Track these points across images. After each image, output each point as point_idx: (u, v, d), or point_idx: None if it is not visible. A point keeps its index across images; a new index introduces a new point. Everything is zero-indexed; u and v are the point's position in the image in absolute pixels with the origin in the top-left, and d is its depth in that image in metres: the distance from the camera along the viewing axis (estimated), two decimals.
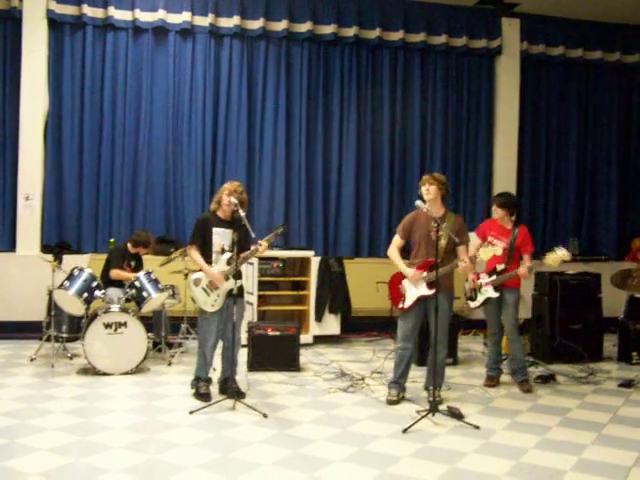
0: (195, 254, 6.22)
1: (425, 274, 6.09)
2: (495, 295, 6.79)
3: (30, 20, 8.98)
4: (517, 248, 6.79)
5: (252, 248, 6.19)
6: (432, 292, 6.01)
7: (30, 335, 8.45)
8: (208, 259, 6.21)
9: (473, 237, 7.02)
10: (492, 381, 7.01)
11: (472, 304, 7.03)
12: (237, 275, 6.18)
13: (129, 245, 7.99)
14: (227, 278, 6.17)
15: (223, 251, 6.21)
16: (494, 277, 6.78)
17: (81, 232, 9.37)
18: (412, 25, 10.23)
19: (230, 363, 6.27)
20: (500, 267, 6.76)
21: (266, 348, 7.43)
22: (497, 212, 6.91)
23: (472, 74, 10.68)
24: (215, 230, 6.21)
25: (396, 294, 6.31)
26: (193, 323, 6.64)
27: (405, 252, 6.45)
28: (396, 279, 6.34)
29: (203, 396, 6.24)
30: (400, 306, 6.24)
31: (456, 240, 5.96)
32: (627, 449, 5.21)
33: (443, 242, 6.04)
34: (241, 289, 6.30)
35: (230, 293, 6.19)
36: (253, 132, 9.84)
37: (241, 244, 6.23)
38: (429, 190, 6.15)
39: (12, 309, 8.77)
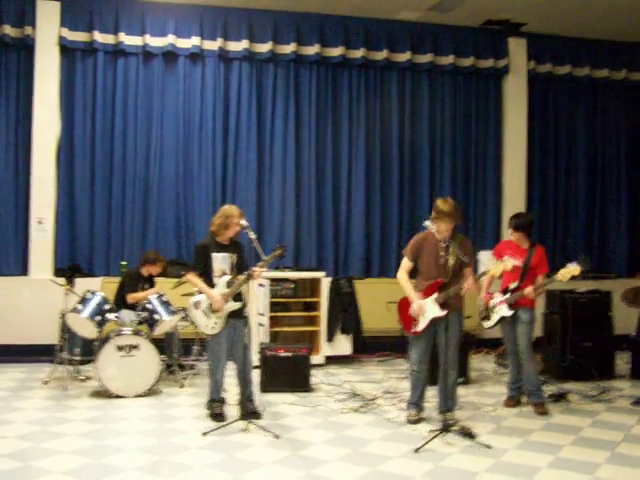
0: (195, 278, 6.30)
1: (436, 295, 6.09)
2: (509, 313, 6.72)
3: (43, 47, 9.11)
4: (532, 268, 6.76)
5: (246, 274, 6.19)
6: (445, 313, 6.02)
7: (43, 358, 8.49)
8: (210, 284, 6.28)
9: (491, 257, 7.05)
10: (512, 401, 6.98)
11: (486, 324, 6.99)
12: (237, 297, 6.26)
13: (140, 268, 8.06)
14: (227, 301, 6.22)
15: (224, 275, 6.28)
16: (507, 295, 6.76)
17: (93, 255, 9.43)
18: (419, 46, 10.29)
19: (247, 384, 6.31)
20: (513, 285, 6.74)
21: (278, 369, 7.45)
22: (513, 235, 6.85)
23: (480, 94, 10.72)
24: (214, 255, 6.30)
25: (407, 318, 6.24)
26: (205, 345, 6.68)
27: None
28: (406, 302, 6.28)
29: (218, 416, 6.30)
30: (413, 330, 6.19)
31: (464, 259, 5.96)
32: None
33: (451, 262, 6.07)
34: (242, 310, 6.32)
35: (236, 315, 6.25)
36: (263, 154, 9.90)
37: (240, 266, 6.33)
38: (452, 227, 6.11)
39: (25, 332, 8.82)
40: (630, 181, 11.24)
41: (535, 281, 6.73)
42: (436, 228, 6.05)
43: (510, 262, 6.08)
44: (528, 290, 6.55)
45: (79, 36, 9.26)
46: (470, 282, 5.93)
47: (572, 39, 10.82)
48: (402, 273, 6.33)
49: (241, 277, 6.25)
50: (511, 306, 6.72)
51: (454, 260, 6.05)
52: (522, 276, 6.74)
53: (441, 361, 6.15)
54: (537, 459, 5.36)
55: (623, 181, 11.21)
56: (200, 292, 6.38)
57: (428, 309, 6.10)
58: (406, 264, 6.32)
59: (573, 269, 6.27)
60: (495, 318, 6.85)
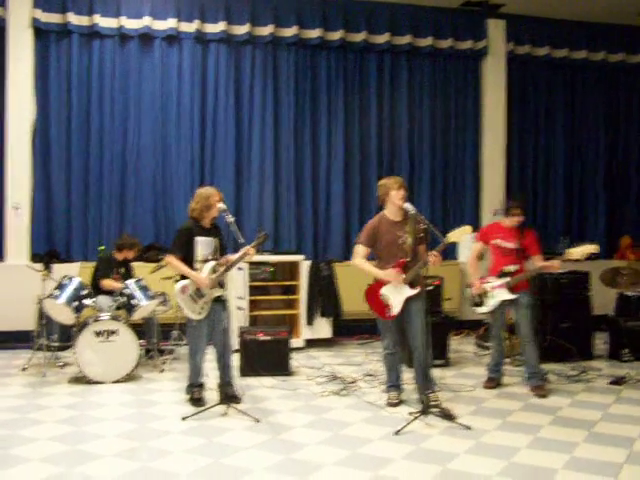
0: (177, 262, 6.17)
1: (403, 276, 6.04)
2: (511, 297, 6.63)
3: (15, 29, 8.96)
4: (525, 250, 6.72)
5: (241, 252, 6.19)
6: (416, 291, 6.02)
7: (21, 345, 8.42)
8: (192, 268, 6.21)
9: (473, 242, 7.02)
10: (492, 383, 6.96)
11: (481, 309, 6.85)
12: (221, 284, 6.22)
13: (115, 252, 7.98)
14: (213, 286, 6.17)
15: (206, 260, 6.22)
16: (508, 279, 6.65)
17: (70, 240, 9.35)
18: (398, 28, 10.25)
19: (226, 368, 6.30)
20: (514, 268, 6.65)
21: (257, 353, 7.43)
22: (518, 216, 6.69)
23: (458, 75, 10.71)
24: (199, 239, 6.22)
25: (378, 305, 6.16)
26: (184, 329, 6.65)
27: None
28: (373, 291, 6.20)
29: (197, 401, 6.27)
30: (389, 315, 6.13)
31: (443, 241, 5.91)
32: (618, 446, 5.23)
33: (410, 241, 6.04)
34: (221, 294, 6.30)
35: (215, 299, 6.21)
36: (241, 137, 9.84)
37: (222, 250, 6.32)
38: (405, 196, 6.12)
39: (2, 319, 8.73)
40: (608, 162, 11.31)
41: (532, 262, 6.69)
42: (408, 207, 6.00)
43: (468, 227, 6.00)
44: (557, 262, 6.42)
45: (53, 17, 9.12)
46: (433, 256, 5.84)
47: (551, 20, 10.83)
48: (360, 259, 6.22)
49: (232, 257, 6.21)
50: (511, 290, 6.66)
51: (412, 238, 6.02)
52: (518, 258, 6.70)
53: (417, 343, 6.11)
54: (516, 439, 5.39)
55: (601, 162, 11.28)
56: (182, 276, 6.30)
57: (399, 290, 6.07)
58: (362, 251, 6.23)
59: (592, 247, 6.25)
60: (492, 303, 6.74)
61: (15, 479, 4.56)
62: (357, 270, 6.27)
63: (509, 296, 6.66)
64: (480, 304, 6.86)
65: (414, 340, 6.15)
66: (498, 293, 6.71)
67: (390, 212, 6.21)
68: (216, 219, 6.40)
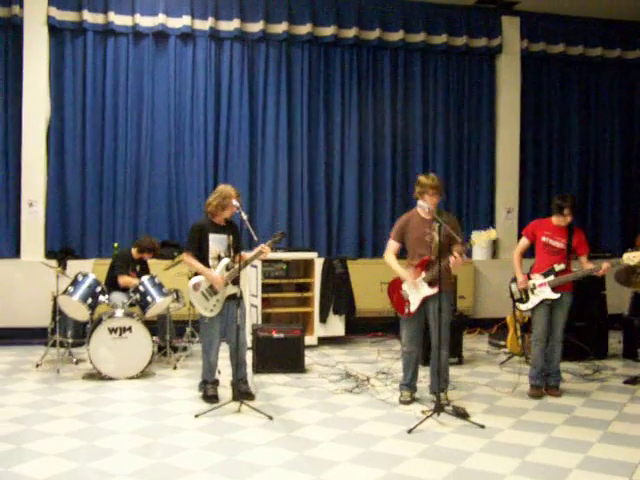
0: (192, 260, 6.23)
1: (424, 274, 6.07)
2: (554, 296, 6.48)
3: (31, 27, 9.00)
4: (573, 249, 6.59)
5: (256, 250, 6.19)
6: (435, 291, 6.01)
7: (35, 341, 8.49)
8: (205, 265, 6.22)
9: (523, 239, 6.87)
10: (538, 391, 6.65)
11: (523, 306, 6.72)
12: (235, 281, 6.22)
13: (133, 251, 8.00)
14: (226, 284, 6.18)
15: (219, 257, 6.24)
16: (552, 277, 6.52)
17: (85, 237, 9.39)
18: (412, 25, 10.22)
19: (240, 365, 6.31)
20: (560, 267, 6.52)
21: (271, 350, 7.44)
22: (569, 216, 6.55)
23: (473, 73, 10.66)
24: (212, 237, 6.24)
25: (399, 301, 6.23)
26: (198, 327, 6.66)
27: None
28: (395, 286, 6.28)
29: (211, 398, 6.28)
30: (406, 312, 6.18)
31: (458, 239, 5.91)
32: (633, 446, 5.21)
33: (436, 239, 5.98)
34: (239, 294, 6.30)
35: (229, 296, 6.22)
36: (255, 134, 9.84)
37: (236, 247, 6.33)
38: (437, 200, 6.12)
39: (17, 315, 8.79)
40: (623, 160, 11.23)
41: (580, 263, 6.59)
42: (422, 204, 6.04)
43: (494, 232, 5.94)
44: (606, 266, 6.32)
45: (68, 15, 9.15)
46: (454, 258, 5.84)
47: (565, 17, 10.76)
48: (388, 254, 6.32)
49: (248, 255, 6.24)
50: (554, 289, 6.52)
51: (439, 237, 5.99)
52: (566, 258, 6.56)
53: (433, 341, 6.15)
54: (530, 438, 5.37)
55: (616, 160, 11.20)
56: (196, 273, 6.32)
57: (418, 288, 6.09)
58: (393, 245, 6.32)
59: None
60: (535, 300, 6.58)
61: (30, 474, 4.58)
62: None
63: (552, 295, 6.51)
64: (524, 300, 6.73)
65: (432, 339, 6.17)
66: (541, 291, 6.57)
67: (422, 209, 6.20)
68: (231, 216, 6.41)
